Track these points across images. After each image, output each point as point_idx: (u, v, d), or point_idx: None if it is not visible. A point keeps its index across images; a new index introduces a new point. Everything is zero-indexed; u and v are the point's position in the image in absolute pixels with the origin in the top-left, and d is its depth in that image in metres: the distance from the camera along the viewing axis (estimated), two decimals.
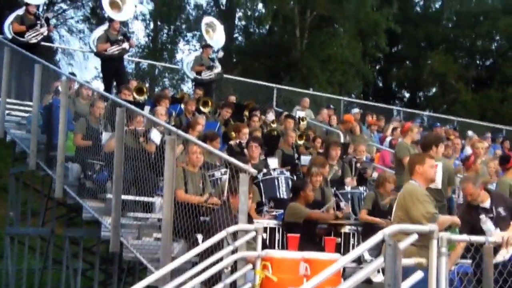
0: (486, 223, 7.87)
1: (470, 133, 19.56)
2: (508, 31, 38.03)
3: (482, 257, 5.49)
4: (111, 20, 15.10)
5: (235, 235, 7.07)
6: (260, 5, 36.32)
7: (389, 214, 10.21)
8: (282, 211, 9.93)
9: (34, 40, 14.85)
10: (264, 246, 7.58)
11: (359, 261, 9.29)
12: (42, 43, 15.55)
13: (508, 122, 29.98)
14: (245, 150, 11.67)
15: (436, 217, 6.75)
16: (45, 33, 15.26)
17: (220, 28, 17.46)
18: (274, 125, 15.37)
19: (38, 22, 14.94)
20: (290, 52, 34.41)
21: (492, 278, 5.36)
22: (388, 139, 17.07)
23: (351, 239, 9.98)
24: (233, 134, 12.93)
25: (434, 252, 5.15)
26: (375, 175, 13.30)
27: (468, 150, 16.53)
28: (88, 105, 12.14)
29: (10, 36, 14.81)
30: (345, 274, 8.49)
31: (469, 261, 7.59)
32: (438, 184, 9.73)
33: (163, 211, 8.34)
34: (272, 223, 9.70)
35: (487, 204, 8.31)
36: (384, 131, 18.38)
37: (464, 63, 41.58)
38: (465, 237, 5.51)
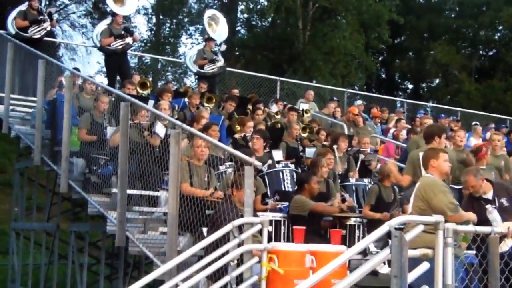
0: (492, 213, 7.89)
1: (478, 124, 19.47)
2: (511, 21, 37.95)
3: (487, 247, 5.49)
4: (114, 15, 15.09)
5: (240, 228, 7.08)
6: None
7: (393, 206, 10.29)
8: (287, 203, 9.94)
9: (37, 36, 14.87)
10: (270, 239, 7.60)
11: (365, 253, 9.30)
12: (45, 38, 15.56)
13: None
14: (250, 144, 11.67)
15: (458, 208, 6.87)
16: (48, 28, 15.26)
17: (223, 21, 17.43)
18: (278, 117, 15.37)
19: (41, 17, 14.97)
20: (293, 44, 34.36)
21: (498, 268, 5.37)
22: (392, 130, 17.05)
23: (357, 231, 9.96)
24: (238, 127, 12.93)
25: (440, 243, 5.16)
26: (379, 166, 13.31)
27: (473, 141, 16.50)
28: (92, 100, 12.16)
29: (13, 32, 14.83)
30: (350, 266, 8.51)
31: (475, 252, 7.60)
32: None
33: (169, 205, 8.35)
34: (278, 216, 9.71)
35: (489, 195, 8.37)
36: (388, 122, 18.37)
37: (467, 53, 41.51)
38: (471, 227, 5.52)
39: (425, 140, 9.78)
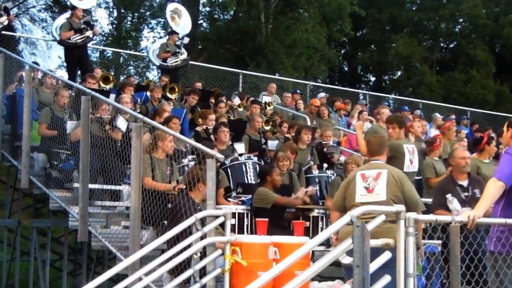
0: (453, 202, 7.96)
1: (437, 115, 19.69)
2: (471, 14, 38.38)
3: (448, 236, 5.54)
4: (73, 8, 14.91)
5: (203, 221, 7.06)
6: None
7: None
8: (250, 196, 9.94)
9: None
10: (233, 232, 7.59)
11: (328, 244, 9.33)
12: (3, 32, 15.33)
13: (472, 104, 30.34)
14: (212, 136, 11.65)
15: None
16: (5, 23, 15.04)
17: (186, 14, 17.34)
18: (240, 109, 15.36)
19: None
20: (255, 37, 34.32)
21: (459, 257, 5.41)
22: (354, 122, 17.13)
23: (320, 223, 10.00)
24: (200, 120, 12.90)
25: (401, 233, 5.19)
26: (342, 159, 13.37)
27: (433, 132, 16.66)
28: (52, 94, 12.04)
29: None
30: (314, 257, 8.56)
31: (436, 241, 7.68)
32: (415, 167, 9.84)
33: (131, 199, 8.30)
34: (241, 208, 9.71)
35: (465, 182, 8.51)
36: (350, 115, 18.45)
37: (428, 45, 41.88)
38: (431, 217, 5.55)
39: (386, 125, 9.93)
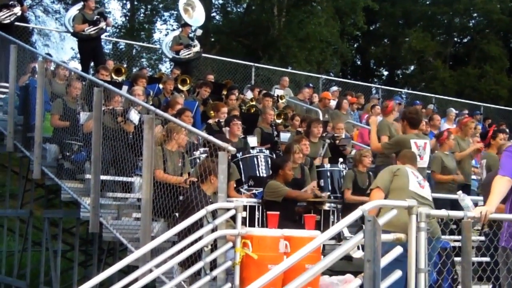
0: (465, 199, 7.91)
1: (452, 110, 19.58)
2: (485, 8, 38.15)
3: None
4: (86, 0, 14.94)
5: (214, 214, 7.06)
6: None
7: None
8: (261, 189, 9.93)
9: (7, 21, 14.64)
10: (244, 225, 7.58)
11: (339, 238, 9.33)
12: (17, 23, 15.37)
13: (486, 99, 30.20)
14: (224, 129, 11.65)
15: None
16: (19, 13, 15.04)
17: (199, 6, 17.32)
18: (253, 103, 15.35)
19: (11, 1, 14.74)
20: (268, 30, 34.29)
21: (471, 253, 5.39)
22: (366, 116, 17.10)
23: (331, 217, 9.99)
24: (212, 113, 12.89)
25: (413, 227, 5.18)
26: (353, 152, 13.35)
27: (446, 127, 16.61)
28: (65, 86, 12.06)
29: None
30: (325, 251, 8.55)
31: (448, 236, 7.66)
32: (425, 162, 9.80)
33: (143, 191, 8.32)
34: (252, 201, 9.70)
35: None
36: (364, 110, 18.41)
37: (442, 40, 41.66)
38: (443, 212, 5.52)
39: (411, 127, 9.84)
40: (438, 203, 9.81)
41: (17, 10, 14.84)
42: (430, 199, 7.06)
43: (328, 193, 10.78)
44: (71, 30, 15.13)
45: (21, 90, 12.66)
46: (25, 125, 12.16)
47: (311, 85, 19.87)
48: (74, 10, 15.20)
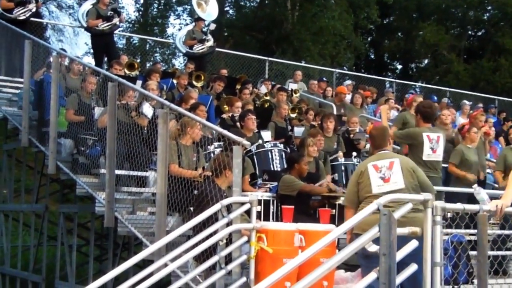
0: (480, 193, 7.88)
1: (466, 102, 19.48)
2: (499, 1, 37.90)
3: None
4: None
5: (229, 208, 7.07)
6: None
7: None
8: (276, 183, 9.94)
9: (22, 17, 14.74)
10: (258, 219, 7.59)
11: None
12: (32, 19, 15.41)
13: (500, 92, 30.04)
14: (238, 124, 11.65)
15: None
16: (34, 9, 15.10)
17: (213, 0, 17.29)
18: (267, 98, 15.32)
19: None
20: (282, 24, 34.25)
21: (486, 246, 5.37)
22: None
23: None
24: (226, 107, 12.90)
25: (428, 221, 5.16)
26: (368, 146, 13.32)
27: (461, 120, 16.55)
28: (79, 81, 12.10)
29: None
30: (339, 245, 8.53)
31: (463, 230, 7.62)
32: (439, 156, 9.76)
33: (157, 185, 8.32)
34: (266, 195, 9.70)
35: None
36: (378, 103, 18.35)
37: (456, 33, 41.44)
38: (459, 205, 5.50)
39: (425, 120, 9.80)
40: (456, 197, 9.84)
41: (32, 6, 14.92)
42: (402, 186, 6.81)
43: (342, 189, 10.79)
44: (85, 25, 15.17)
45: (36, 85, 12.70)
46: (40, 120, 12.20)
47: (324, 78, 19.85)
48: (88, 5, 15.23)
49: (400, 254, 5.15)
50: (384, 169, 6.92)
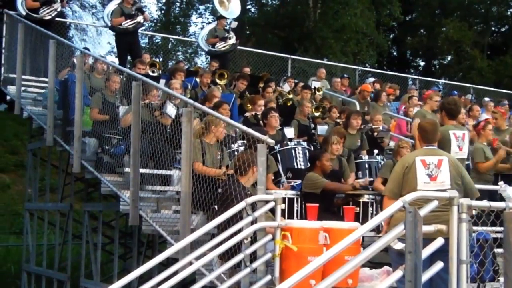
0: (506, 190, 7.84)
1: (486, 99, 19.36)
2: None
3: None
4: None
5: (253, 206, 7.07)
6: None
7: None
8: (300, 181, 9.93)
9: (48, 17, 14.83)
10: (283, 217, 7.59)
11: (378, 230, 9.28)
12: (56, 19, 15.51)
13: None
14: (261, 122, 11.65)
15: None
16: (59, 9, 15.20)
17: None
18: (290, 96, 15.31)
19: None
20: (304, 22, 34.20)
21: None
22: (403, 107, 17.00)
23: (370, 208, 9.93)
24: (249, 106, 12.91)
25: (454, 219, 5.14)
26: (391, 144, 13.28)
27: (484, 117, 16.44)
28: (103, 80, 12.15)
29: (24, 13, 14.77)
30: (364, 243, 8.51)
31: (489, 228, 7.58)
32: (464, 153, 9.70)
33: (182, 184, 8.35)
34: (291, 193, 9.70)
35: None
36: (401, 101, 18.27)
37: (479, 30, 41.20)
38: (485, 203, 5.47)
39: (449, 117, 9.71)
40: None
41: (57, 5, 15.00)
42: (448, 186, 6.65)
43: (368, 179, 10.76)
44: (109, 24, 15.25)
45: (60, 84, 12.78)
46: (65, 120, 12.29)
47: (345, 75, 19.80)
48: (113, 5, 15.29)
49: (426, 252, 5.13)
50: (432, 166, 6.80)
